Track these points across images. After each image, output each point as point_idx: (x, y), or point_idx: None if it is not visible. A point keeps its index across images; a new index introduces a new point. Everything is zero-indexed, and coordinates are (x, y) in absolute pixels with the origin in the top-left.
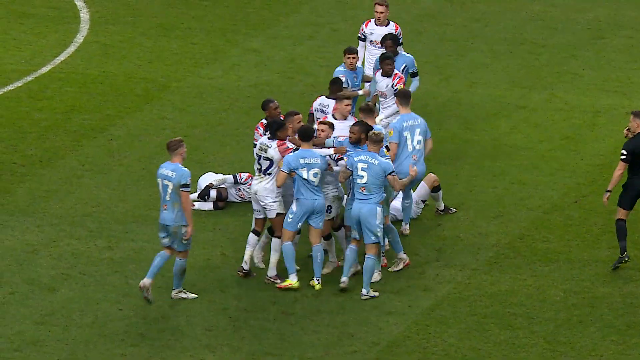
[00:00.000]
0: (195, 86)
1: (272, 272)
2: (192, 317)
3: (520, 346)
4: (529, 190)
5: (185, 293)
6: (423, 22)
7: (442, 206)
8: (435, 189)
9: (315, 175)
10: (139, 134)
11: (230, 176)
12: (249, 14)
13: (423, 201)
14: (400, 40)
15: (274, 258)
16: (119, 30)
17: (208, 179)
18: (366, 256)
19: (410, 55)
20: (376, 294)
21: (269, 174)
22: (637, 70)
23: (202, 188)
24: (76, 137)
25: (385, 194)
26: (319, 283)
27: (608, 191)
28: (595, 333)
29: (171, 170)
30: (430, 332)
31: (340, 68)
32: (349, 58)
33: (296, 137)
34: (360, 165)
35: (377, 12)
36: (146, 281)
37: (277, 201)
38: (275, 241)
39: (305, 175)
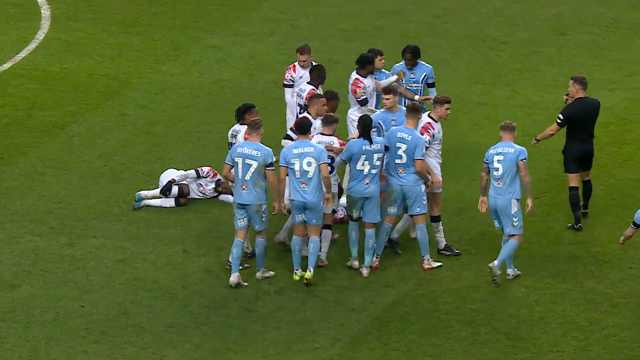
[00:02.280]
0: (157, 83)
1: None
2: (153, 314)
3: (482, 342)
4: None
5: (268, 272)
6: (385, 19)
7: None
8: None
9: (309, 164)
10: (100, 131)
11: (192, 171)
12: (210, 11)
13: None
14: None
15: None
16: (80, 27)
17: (169, 175)
18: (510, 240)
19: (429, 66)
20: (519, 272)
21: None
22: (598, 67)
23: (164, 184)
24: (37, 134)
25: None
26: (310, 272)
27: (536, 139)
28: (557, 329)
29: (255, 149)
30: (392, 329)
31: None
32: (381, 60)
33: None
34: (496, 158)
35: (302, 61)
36: (234, 278)
37: None
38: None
39: (297, 167)
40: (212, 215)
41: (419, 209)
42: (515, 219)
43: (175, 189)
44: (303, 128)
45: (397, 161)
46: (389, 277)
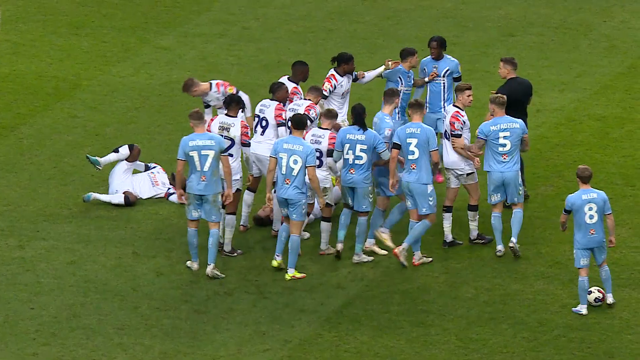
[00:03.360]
0: (106, 84)
1: (227, 247)
2: (103, 316)
3: (433, 343)
4: (440, 187)
5: (218, 271)
6: (334, 20)
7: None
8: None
9: (295, 162)
10: (49, 133)
11: (143, 164)
12: (160, 12)
13: (336, 204)
14: (223, 95)
15: (228, 234)
16: (30, 29)
17: (118, 176)
18: (514, 210)
19: (455, 60)
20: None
21: (231, 155)
22: (547, 68)
23: (115, 186)
24: None
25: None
26: (289, 273)
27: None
28: (507, 330)
29: (208, 139)
30: (343, 330)
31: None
32: (416, 58)
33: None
34: (502, 134)
35: (192, 95)
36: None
37: (238, 179)
38: (229, 217)
39: (284, 162)
40: (162, 216)
41: (424, 209)
42: (520, 188)
43: (125, 147)
44: (299, 124)
45: (410, 157)
46: (339, 278)
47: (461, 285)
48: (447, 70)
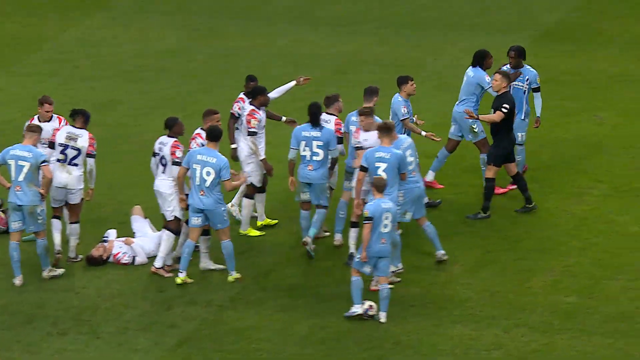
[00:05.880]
0: None
1: (72, 253)
2: None
3: None
4: (276, 226)
5: (55, 270)
6: (167, 59)
7: None
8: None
9: (207, 174)
10: None
11: None
12: None
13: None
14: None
15: (73, 242)
16: None
17: None
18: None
19: (534, 70)
20: None
21: (76, 165)
22: (379, 105)
23: None
24: None
25: None
26: (232, 275)
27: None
28: None
29: (27, 151)
30: None
31: (400, 98)
32: (413, 85)
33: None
34: (408, 153)
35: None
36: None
37: (80, 189)
38: (73, 226)
39: (197, 173)
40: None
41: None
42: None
43: None
44: (213, 136)
45: None
46: (173, 317)
47: (295, 323)
48: (526, 80)
